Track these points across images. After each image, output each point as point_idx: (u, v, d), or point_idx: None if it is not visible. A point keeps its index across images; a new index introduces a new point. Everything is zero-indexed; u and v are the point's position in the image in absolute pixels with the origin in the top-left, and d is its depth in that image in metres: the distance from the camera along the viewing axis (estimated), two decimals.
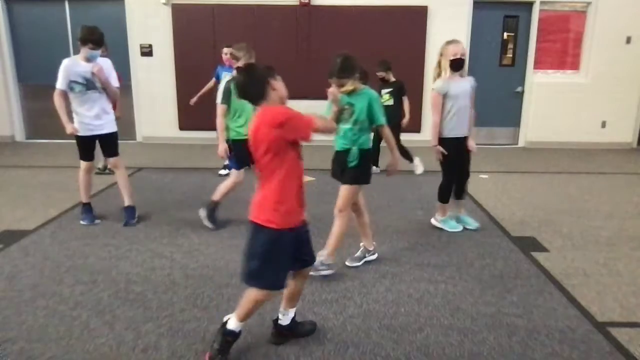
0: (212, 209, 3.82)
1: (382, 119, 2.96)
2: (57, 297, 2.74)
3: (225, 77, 5.46)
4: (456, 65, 3.53)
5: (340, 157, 3.02)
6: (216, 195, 3.81)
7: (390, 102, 5.43)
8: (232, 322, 2.15)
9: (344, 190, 3.02)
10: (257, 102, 2.07)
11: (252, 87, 2.06)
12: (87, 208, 4.00)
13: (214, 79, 5.75)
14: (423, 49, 7.23)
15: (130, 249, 3.42)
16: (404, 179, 5.52)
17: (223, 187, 3.81)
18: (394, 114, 5.42)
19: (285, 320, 2.31)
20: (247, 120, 3.65)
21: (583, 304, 2.72)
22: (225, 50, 5.46)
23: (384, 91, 5.42)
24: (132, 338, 2.35)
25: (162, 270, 3.10)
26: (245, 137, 3.59)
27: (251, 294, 2.10)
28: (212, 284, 2.90)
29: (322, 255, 2.94)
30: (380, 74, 5.37)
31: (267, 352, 2.25)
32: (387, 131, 3.01)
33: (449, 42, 3.53)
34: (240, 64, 3.62)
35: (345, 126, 2.93)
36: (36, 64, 7.45)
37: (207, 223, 3.80)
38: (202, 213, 3.82)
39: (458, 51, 3.49)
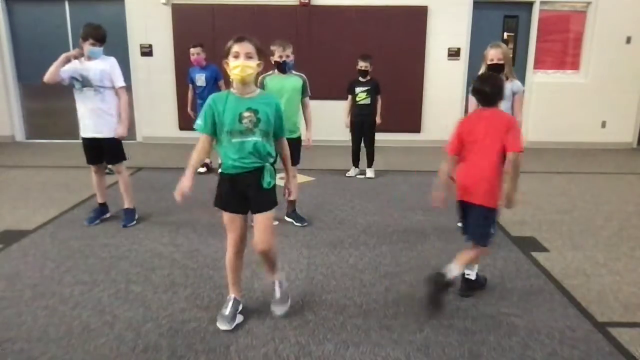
0: (294, 209, 3.99)
1: (286, 131, 2.49)
2: (57, 297, 2.74)
3: (200, 78, 5.42)
4: (492, 69, 3.50)
5: (248, 179, 2.31)
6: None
7: (367, 101, 5.38)
8: (456, 268, 2.58)
9: (266, 219, 2.38)
10: (494, 104, 2.59)
11: (500, 92, 2.59)
12: (97, 209, 4.00)
13: (190, 85, 5.54)
14: (423, 49, 7.23)
15: (130, 249, 3.43)
16: (404, 179, 5.52)
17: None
18: (370, 112, 5.42)
19: (473, 275, 2.82)
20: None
21: (583, 304, 2.72)
22: (193, 50, 5.29)
23: (359, 89, 5.36)
24: (132, 338, 2.35)
25: (162, 270, 3.10)
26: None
27: (477, 250, 2.69)
28: (212, 284, 2.90)
29: (277, 281, 2.62)
30: (366, 65, 5.27)
31: (267, 352, 2.25)
32: (286, 144, 2.48)
33: (490, 46, 3.49)
34: (276, 57, 3.62)
35: (249, 139, 2.26)
36: (36, 64, 7.38)
37: (299, 224, 3.93)
38: (289, 219, 3.98)
39: (495, 56, 3.46)
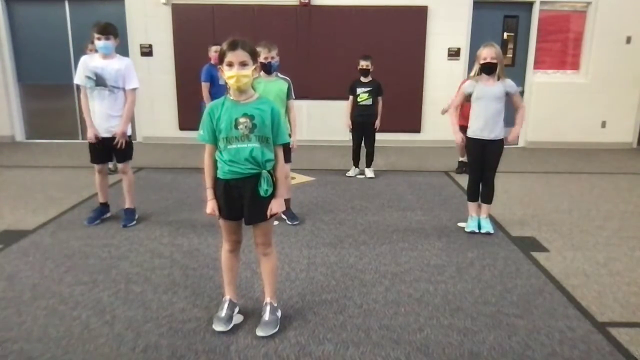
0: (287, 208, 3.95)
1: (286, 137, 2.37)
2: (57, 297, 2.73)
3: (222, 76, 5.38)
4: (485, 69, 3.53)
5: (243, 186, 2.26)
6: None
7: (369, 102, 5.37)
8: None
9: (266, 226, 2.38)
10: None
11: None
12: (97, 209, 4.00)
13: (207, 83, 5.38)
14: (423, 49, 7.24)
15: (130, 249, 3.43)
16: (404, 178, 5.52)
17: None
18: (371, 113, 5.41)
19: None
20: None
21: (583, 304, 2.72)
22: (215, 48, 5.26)
23: (361, 90, 5.35)
24: (132, 338, 2.35)
25: (162, 270, 3.10)
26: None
27: None
28: (212, 284, 2.90)
29: (269, 303, 2.47)
30: (367, 64, 5.26)
31: (267, 352, 2.25)
32: (281, 154, 2.37)
33: (484, 46, 3.53)
34: (261, 59, 3.60)
35: (246, 145, 2.22)
36: (36, 64, 7.46)
37: (290, 222, 3.95)
38: (283, 217, 3.95)
39: (488, 55, 3.49)
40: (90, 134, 3.72)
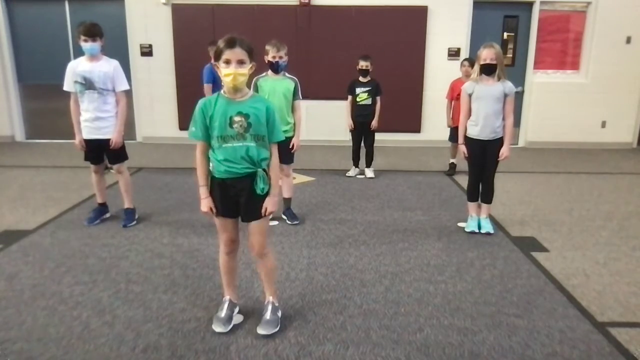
0: (288, 207, 4.01)
1: (282, 135, 2.34)
2: (57, 297, 2.74)
3: None
4: (485, 69, 3.54)
5: (240, 185, 2.25)
6: (286, 194, 3.97)
7: (368, 102, 5.37)
8: None
9: (260, 224, 2.34)
10: None
11: None
12: (97, 209, 3.99)
13: (210, 84, 5.38)
14: (423, 49, 7.23)
15: (130, 249, 3.43)
16: (404, 179, 5.52)
17: (286, 185, 3.90)
18: (370, 112, 5.42)
19: None
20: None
21: (583, 304, 2.72)
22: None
23: (360, 89, 5.35)
24: (132, 338, 2.35)
25: (162, 270, 3.10)
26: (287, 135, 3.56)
27: None
28: (212, 284, 2.90)
29: (270, 302, 2.49)
30: (366, 64, 5.26)
31: (267, 352, 2.25)
32: (276, 151, 2.34)
33: (484, 46, 3.54)
34: (270, 57, 3.63)
35: (241, 144, 2.20)
36: (36, 64, 7.46)
37: (289, 221, 3.98)
38: (283, 217, 4.01)
39: (488, 56, 3.50)
40: (76, 141, 3.74)
